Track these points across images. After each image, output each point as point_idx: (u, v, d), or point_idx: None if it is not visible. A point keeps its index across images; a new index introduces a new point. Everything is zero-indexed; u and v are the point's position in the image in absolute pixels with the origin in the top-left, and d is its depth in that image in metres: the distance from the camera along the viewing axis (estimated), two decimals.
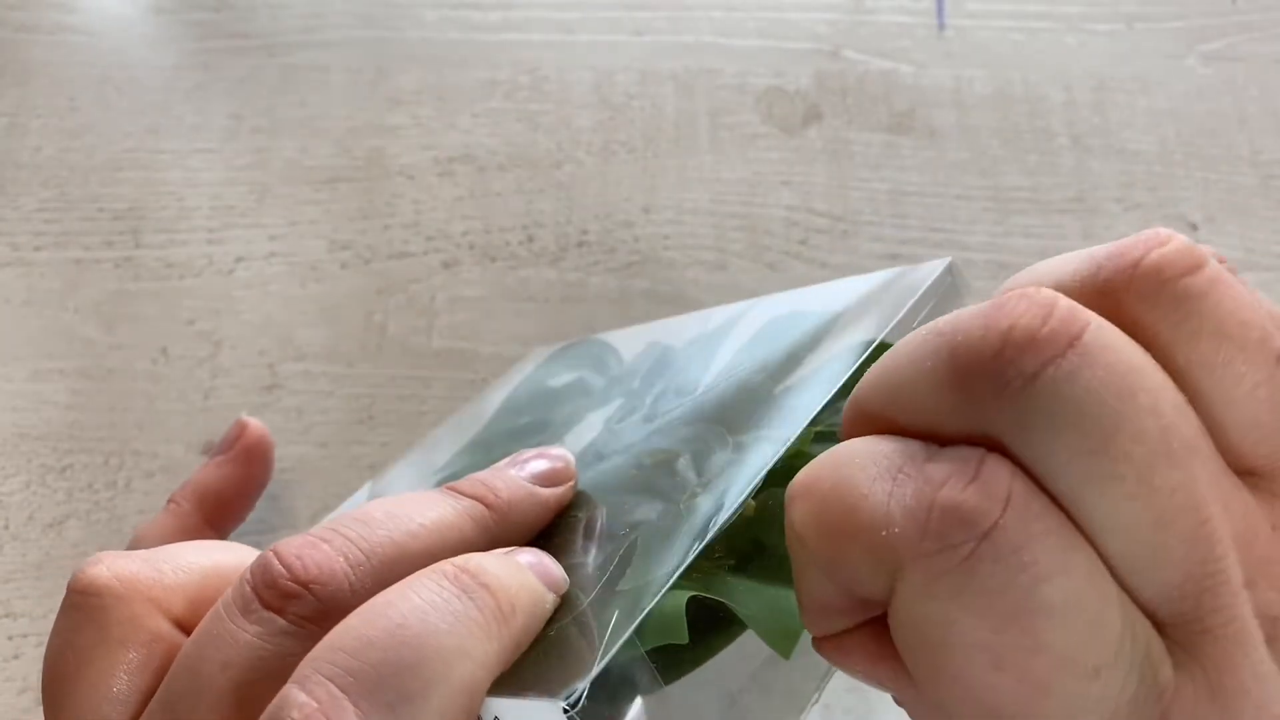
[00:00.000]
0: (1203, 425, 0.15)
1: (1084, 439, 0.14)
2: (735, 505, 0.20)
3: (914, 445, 0.16)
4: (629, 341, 0.34)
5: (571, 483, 0.23)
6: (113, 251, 0.44)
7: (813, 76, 0.50)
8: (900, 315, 0.22)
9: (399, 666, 0.17)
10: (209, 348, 0.42)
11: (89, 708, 0.20)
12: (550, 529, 0.23)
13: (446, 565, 0.19)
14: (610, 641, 0.18)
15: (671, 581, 0.19)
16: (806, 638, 0.20)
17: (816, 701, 0.22)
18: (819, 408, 0.21)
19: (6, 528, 0.39)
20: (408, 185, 0.46)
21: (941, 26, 0.51)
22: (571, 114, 0.48)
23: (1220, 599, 0.14)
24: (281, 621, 0.18)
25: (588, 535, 0.22)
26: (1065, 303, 0.14)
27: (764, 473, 0.20)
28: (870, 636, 0.17)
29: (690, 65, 0.50)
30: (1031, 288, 0.15)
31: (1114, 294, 0.15)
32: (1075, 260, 0.16)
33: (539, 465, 0.23)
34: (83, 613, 0.20)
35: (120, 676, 0.20)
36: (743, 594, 0.21)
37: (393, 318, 0.43)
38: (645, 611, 0.18)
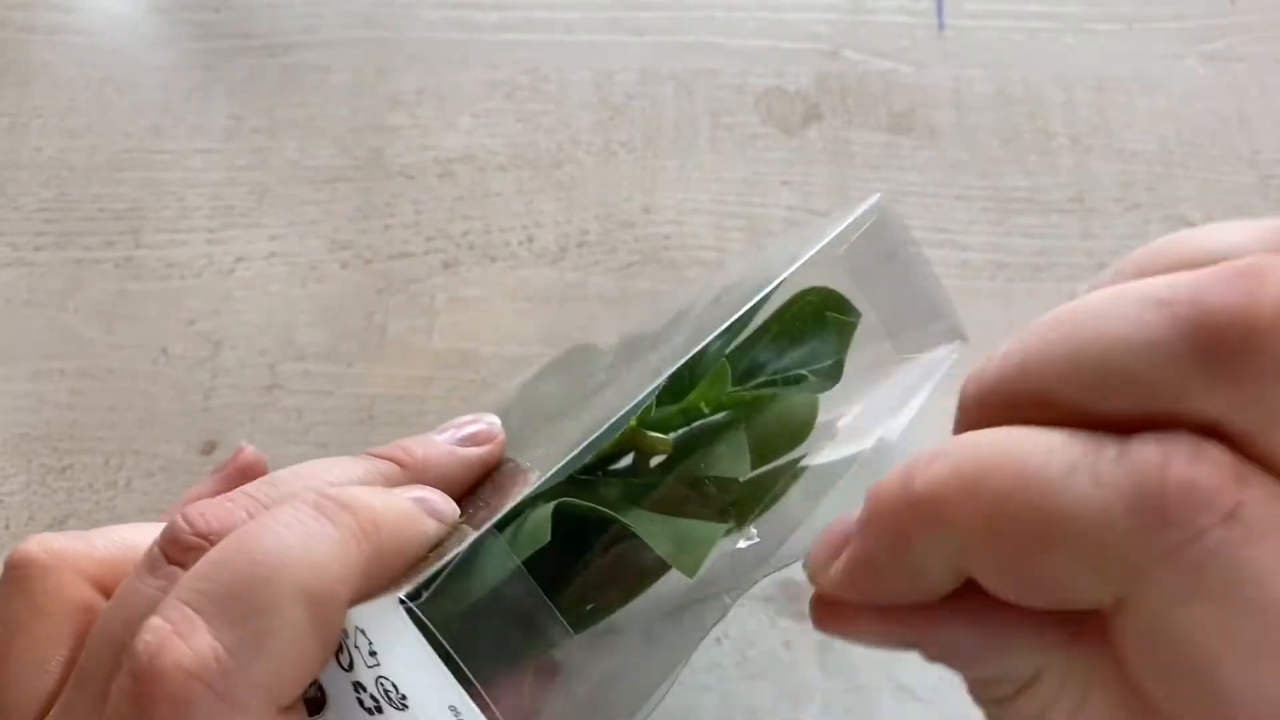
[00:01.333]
0: None
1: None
2: (611, 423, 0.20)
3: (1089, 435, 0.14)
4: (607, 336, 0.35)
5: (498, 441, 0.23)
6: (113, 251, 0.45)
7: (812, 76, 0.50)
8: (821, 245, 0.23)
9: (249, 582, 0.17)
10: (209, 348, 0.42)
11: (14, 675, 0.20)
12: (482, 486, 0.23)
13: (308, 494, 0.19)
14: (468, 546, 0.18)
15: (534, 488, 0.19)
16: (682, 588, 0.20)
17: (683, 665, 0.22)
18: (718, 331, 0.22)
19: (7, 528, 0.39)
20: (408, 185, 0.46)
21: (941, 26, 0.51)
22: (571, 114, 0.48)
23: None
24: (182, 574, 0.18)
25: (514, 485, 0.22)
26: None
27: (646, 395, 0.21)
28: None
29: (690, 65, 0.50)
30: (1256, 256, 0.13)
31: None
32: (1252, 230, 0.15)
33: (465, 430, 0.24)
34: (13, 585, 0.20)
35: (46, 645, 0.20)
36: (647, 523, 0.21)
37: (393, 318, 0.43)
38: (501, 513, 0.19)
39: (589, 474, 0.24)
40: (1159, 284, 0.14)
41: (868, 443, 0.24)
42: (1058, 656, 0.15)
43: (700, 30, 0.51)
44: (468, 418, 0.24)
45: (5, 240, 0.45)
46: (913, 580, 0.16)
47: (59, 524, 0.39)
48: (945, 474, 0.15)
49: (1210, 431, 0.13)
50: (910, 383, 0.26)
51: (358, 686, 0.18)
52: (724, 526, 0.22)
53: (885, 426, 0.24)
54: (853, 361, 0.26)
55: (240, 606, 0.17)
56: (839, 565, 0.17)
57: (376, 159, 0.47)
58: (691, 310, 0.29)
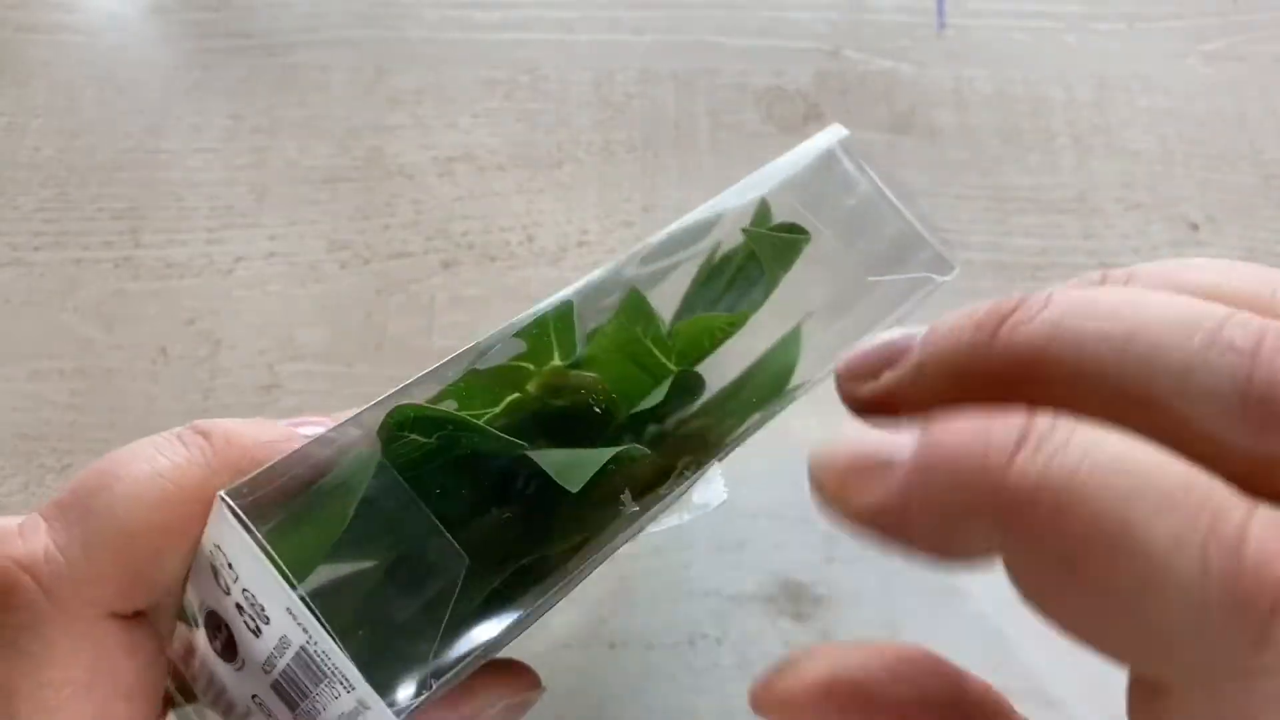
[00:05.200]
0: None
1: None
2: (491, 335, 0.20)
3: (1217, 482, 0.12)
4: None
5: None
6: (112, 251, 0.44)
7: (813, 76, 0.50)
8: (764, 170, 0.22)
9: (92, 489, 0.18)
10: (209, 347, 0.42)
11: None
12: None
13: (179, 427, 0.19)
14: (312, 439, 0.18)
15: (403, 386, 0.19)
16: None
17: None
18: (631, 252, 0.21)
19: None
20: (407, 185, 0.46)
21: (942, 26, 0.51)
22: (571, 114, 0.48)
23: None
24: None
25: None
26: None
27: (539, 309, 0.21)
28: None
29: (690, 65, 0.50)
30: None
31: None
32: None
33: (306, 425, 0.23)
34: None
35: None
36: (545, 453, 0.20)
37: (393, 318, 0.43)
38: (359, 412, 0.19)
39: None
40: (1231, 322, 0.13)
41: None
42: None
43: (700, 29, 0.51)
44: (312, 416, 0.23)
45: (4, 240, 0.45)
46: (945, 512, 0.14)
47: None
48: (1059, 494, 0.13)
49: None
50: (885, 306, 0.24)
51: (239, 609, 0.18)
52: (613, 450, 0.20)
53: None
54: (820, 289, 0.24)
55: (76, 511, 0.18)
56: (883, 382, 0.15)
57: (376, 159, 0.47)
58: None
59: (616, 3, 0.51)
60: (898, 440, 0.14)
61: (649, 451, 0.20)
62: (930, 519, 0.13)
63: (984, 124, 0.48)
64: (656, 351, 0.22)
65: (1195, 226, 0.46)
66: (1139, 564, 0.12)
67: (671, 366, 0.22)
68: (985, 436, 0.13)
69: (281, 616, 0.17)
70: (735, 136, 0.48)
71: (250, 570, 0.17)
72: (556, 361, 0.21)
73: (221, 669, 0.19)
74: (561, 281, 0.44)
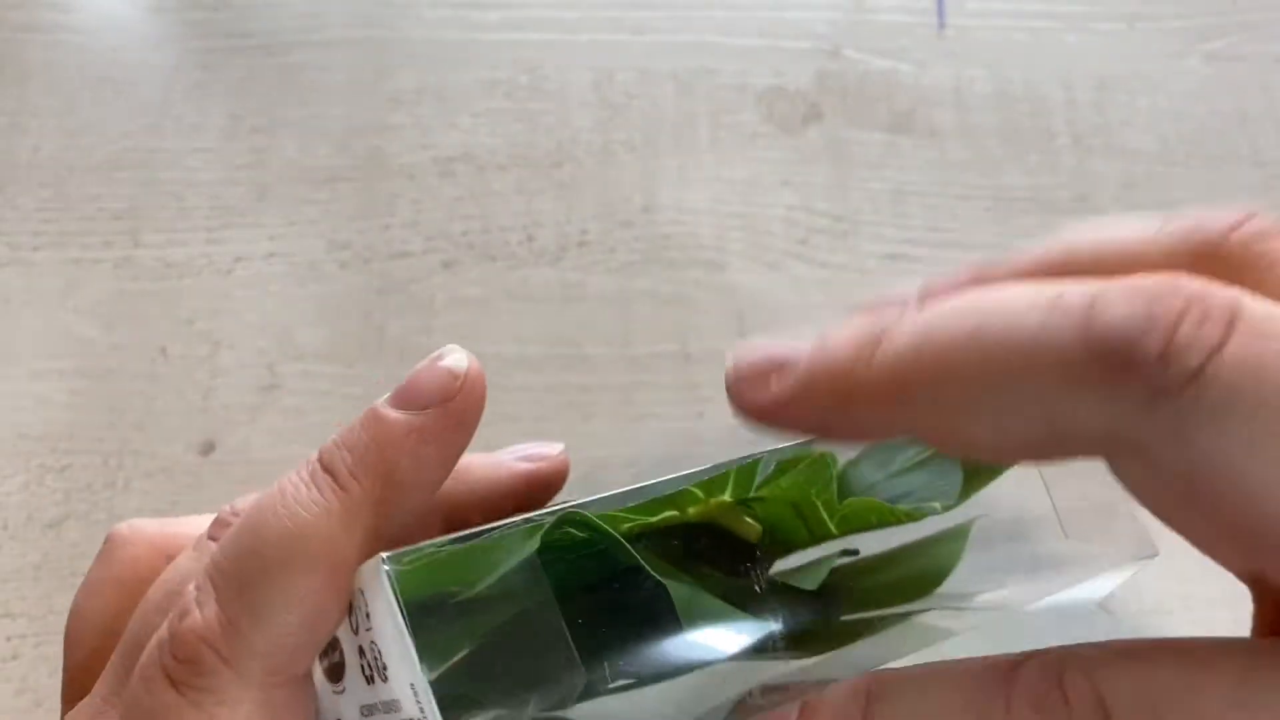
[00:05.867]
0: None
1: (1267, 424, 0.12)
2: (678, 476, 0.20)
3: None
4: None
5: (554, 459, 0.23)
6: (111, 251, 0.44)
7: (813, 76, 0.50)
8: None
9: (249, 553, 0.18)
10: (208, 347, 0.42)
11: (80, 634, 0.22)
12: None
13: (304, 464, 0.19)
14: (489, 531, 0.18)
15: (573, 505, 0.19)
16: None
17: None
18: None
19: (5, 528, 0.39)
20: (407, 185, 0.46)
21: (942, 26, 0.51)
22: (571, 114, 0.48)
23: None
24: (213, 545, 0.19)
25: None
26: (1199, 282, 0.13)
27: (729, 463, 0.20)
28: None
29: (690, 65, 0.50)
30: (1167, 275, 0.13)
31: (1210, 259, 0.14)
32: (1139, 229, 0.15)
33: (525, 449, 0.23)
34: (100, 556, 0.23)
35: (114, 609, 0.21)
36: (687, 590, 0.20)
37: (393, 318, 0.43)
38: (531, 514, 0.18)
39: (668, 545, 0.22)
40: (1073, 293, 0.13)
41: (991, 610, 0.21)
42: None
43: (700, 29, 0.51)
44: (533, 444, 0.23)
45: (3, 240, 0.45)
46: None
47: (57, 525, 0.39)
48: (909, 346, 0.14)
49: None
50: (1076, 580, 0.22)
51: (360, 651, 0.18)
52: (749, 639, 0.19)
53: (1023, 594, 0.22)
54: (1012, 547, 0.23)
55: (242, 577, 0.18)
56: (773, 390, 0.16)
57: (376, 158, 0.47)
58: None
59: (616, 3, 0.51)
60: (796, 345, 0.15)
61: (782, 645, 0.20)
62: (821, 410, 0.15)
63: (985, 124, 0.48)
64: (824, 514, 0.22)
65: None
66: (1015, 336, 0.13)
67: (834, 530, 0.22)
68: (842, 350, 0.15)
69: (403, 686, 0.17)
70: (735, 136, 0.48)
71: (387, 633, 0.17)
72: (726, 497, 0.21)
73: (320, 679, 0.19)
74: (562, 281, 0.44)
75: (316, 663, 0.19)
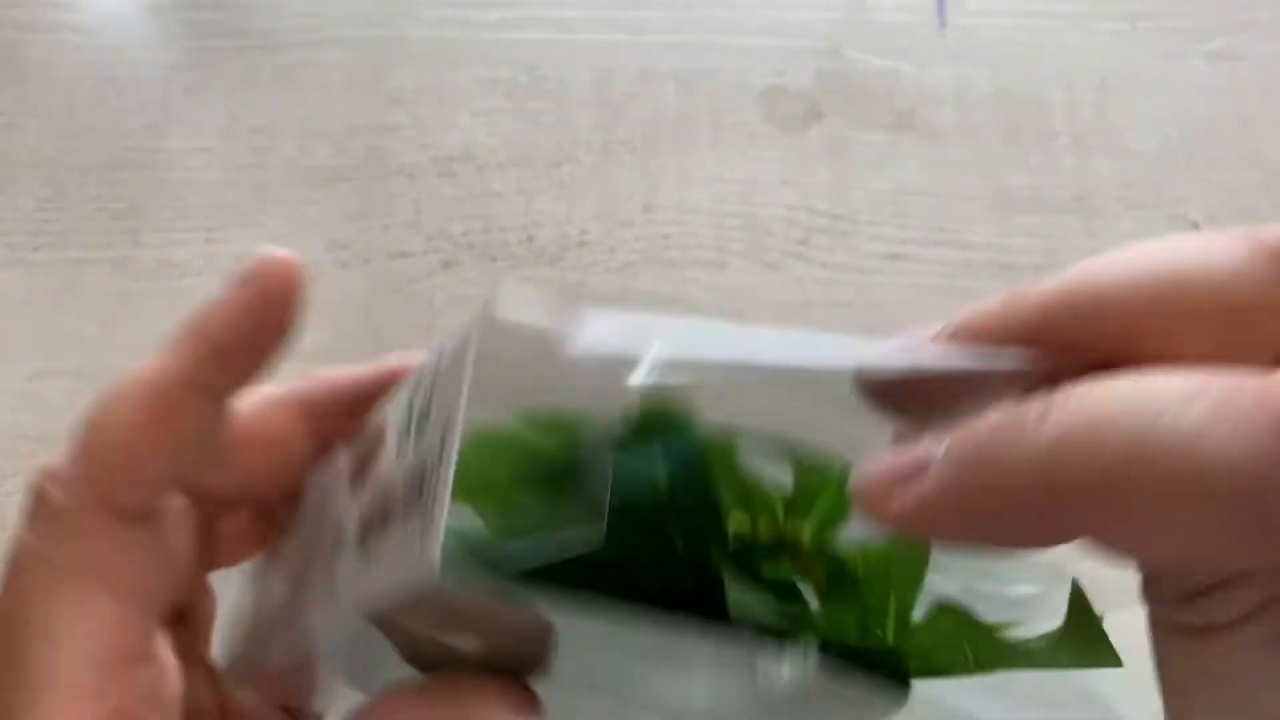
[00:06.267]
0: None
1: None
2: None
3: (1221, 373, 0.12)
4: None
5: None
6: (111, 251, 0.44)
7: (813, 75, 0.49)
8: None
9: (90, 407, 0.22)
10: None
11: None
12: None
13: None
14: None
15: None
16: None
17: None
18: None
19: (4, 529, 0.39)
20: (407, 185, 0.46)
21: (942, 25, 0.51)
22: (571, 114, 0.48)
23: None
24: None
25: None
26: None
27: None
28: None
29: (690, 64, 0.50)
30: None
31: None
32: (1213, 250, 0.13)
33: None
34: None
35: None
36: (740, 584, 0.18)
37: (392, 318, 0.43)
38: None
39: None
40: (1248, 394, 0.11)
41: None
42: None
43: (701, 29, 0.51)
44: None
45: (3, 240, 0.45)
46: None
47: None
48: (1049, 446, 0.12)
49: None
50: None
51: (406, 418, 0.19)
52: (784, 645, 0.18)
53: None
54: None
55: (85, 419, 0.20)
56: (907, 500, 0.14)
57: (375, 158, 0.47)
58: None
59: (616, 3, 0.51)
60: (928, 447, 0.14)
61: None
62: (965, 512, 0.13)
63: (985, 123, 0.48)
64: (891, 633, 0.19)
65: (1196, 226, 0.46)
66: (1178, 460, 0.11)
67: (889, 643, 0.19)
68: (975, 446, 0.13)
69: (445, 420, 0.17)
70: (735, 136, 0.48)
71: (452, 395, 0.17)
72: (805, 537, 0.19)
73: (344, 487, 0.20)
74: (561, 282, 0.44)
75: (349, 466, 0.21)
